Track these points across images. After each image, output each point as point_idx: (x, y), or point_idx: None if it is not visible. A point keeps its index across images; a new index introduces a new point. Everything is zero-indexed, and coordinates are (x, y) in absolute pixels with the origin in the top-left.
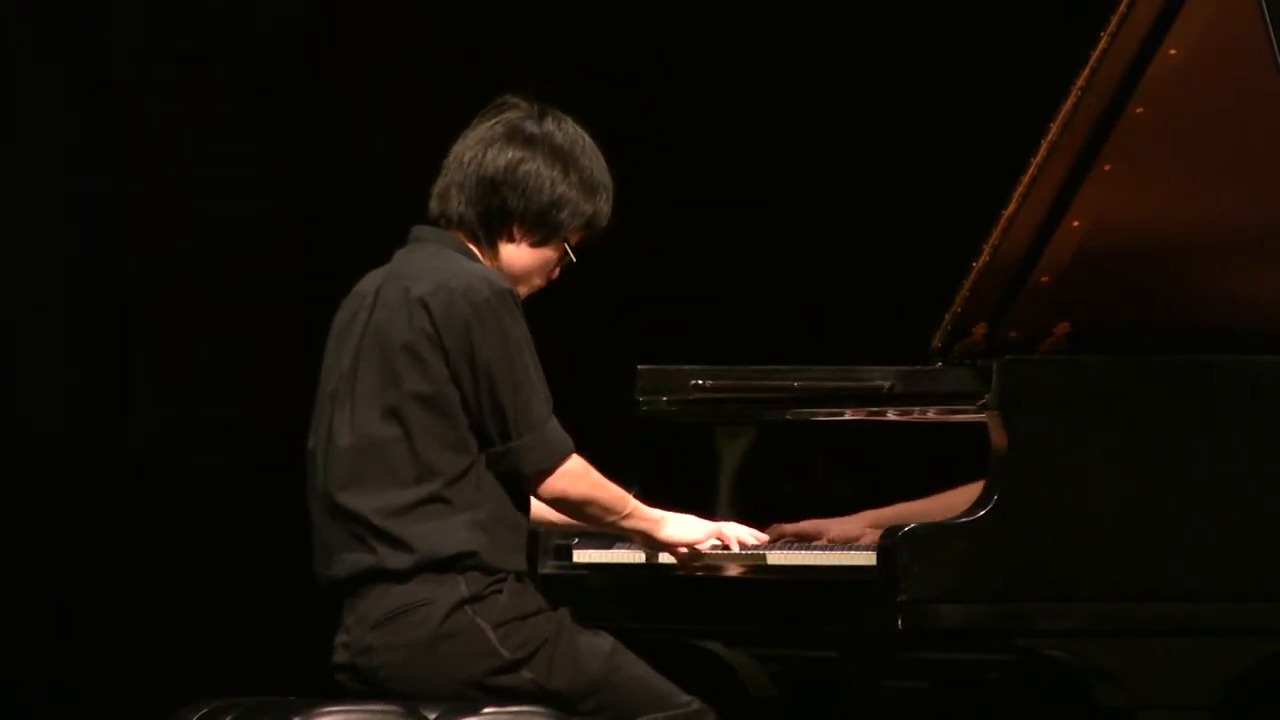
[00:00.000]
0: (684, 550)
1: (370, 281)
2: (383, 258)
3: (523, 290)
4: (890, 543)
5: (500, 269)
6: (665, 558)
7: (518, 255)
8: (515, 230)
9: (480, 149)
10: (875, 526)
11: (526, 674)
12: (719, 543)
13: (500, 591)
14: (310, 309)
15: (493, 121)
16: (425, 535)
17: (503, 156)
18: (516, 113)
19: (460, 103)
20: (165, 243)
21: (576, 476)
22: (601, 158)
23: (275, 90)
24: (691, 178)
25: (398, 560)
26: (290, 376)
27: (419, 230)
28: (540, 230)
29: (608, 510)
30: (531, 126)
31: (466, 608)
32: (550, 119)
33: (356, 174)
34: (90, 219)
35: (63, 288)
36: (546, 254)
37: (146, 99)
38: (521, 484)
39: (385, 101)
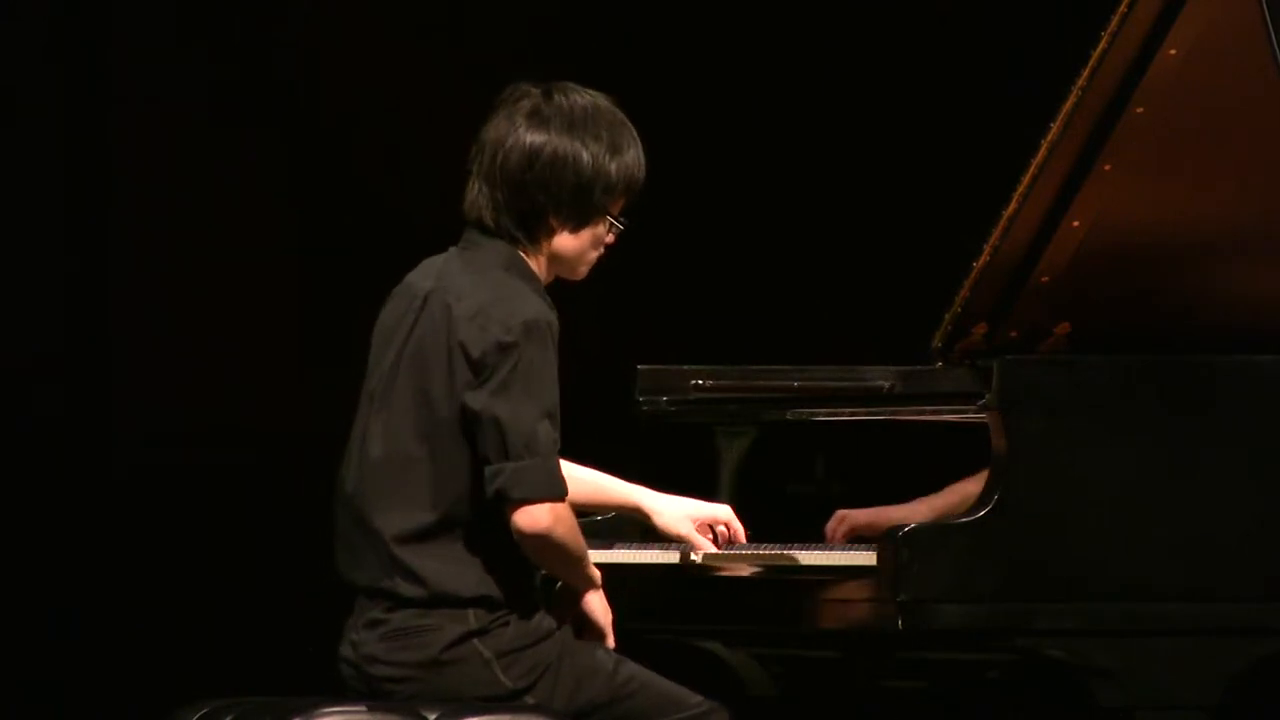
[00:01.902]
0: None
1: (422, 279)
2: (379, 259)
3: (582, 270)
4: (890, 543)
5: (550, 259)
6: (665, 558)
7: (564, 244)
8: (552, 222)
9: (496, 148)
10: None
11: (529, 700)
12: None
13: (507, 624)
14: (308, 310)
15: (503, 115)
16: (439, 574)
17: (517, 152)
18: (526, 100)
19: (456, 102)
20: (163, 244)
21: (562, 520)
22: (620, 114)
23: (272, 91)
24: (692, 178)
25: (410, 590)
26: (290, 377)
27: (471, 234)
28: (576, 215)
29: (572, 563)
30: (542, 109)
31: (473, 639)
32: (557, 94)
33: (353, 174)
34: (89, 221)
35: (61, 289)
36: (593, 232)
37: (145, 101)
38: (504, 509)
39: (381, 101)
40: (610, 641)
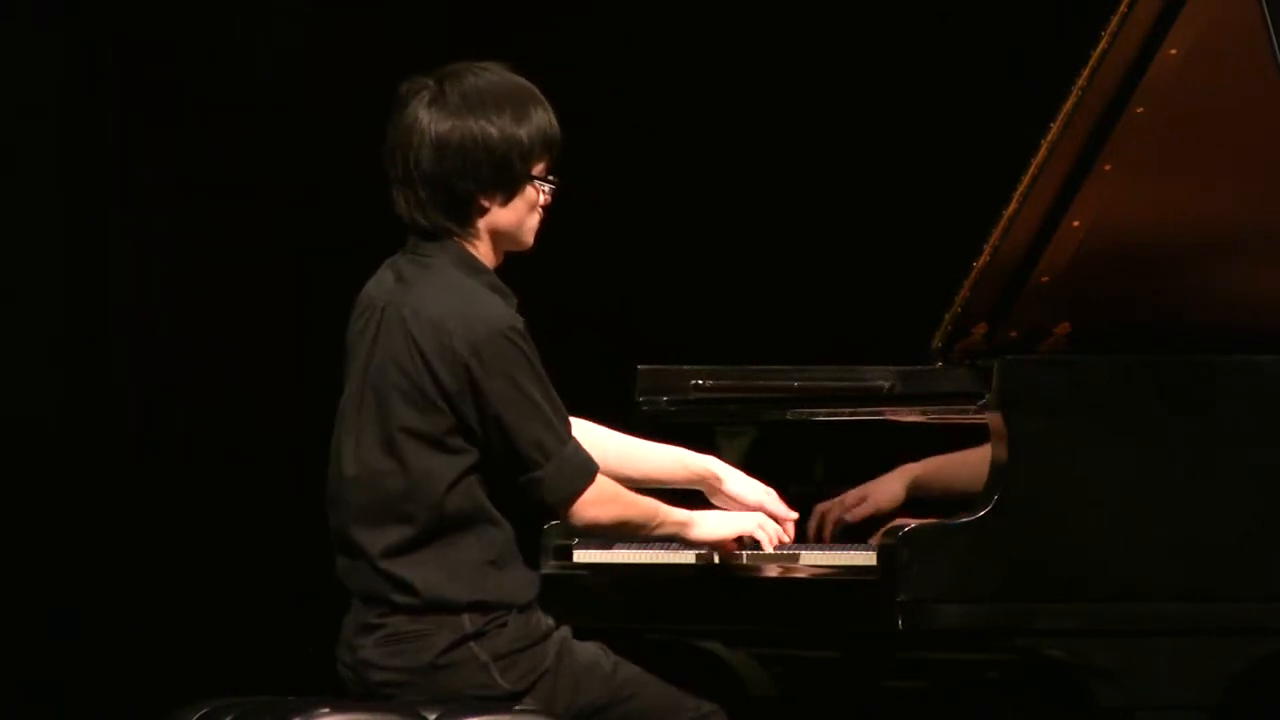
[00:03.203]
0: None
1: (378, 289)
2: (379, 260)
3: (528, 238)
4: (890, 543)
5: (493, 238)
6: (665, 558)
7: (498, 219)
8: (481, 202)
9: (404, 149)
10: (916, 485)
11: (528, 703)
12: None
13: (505, 624)
14: (308, 308)
15: (403, 114)
16: (429, 583)
17: (426, 147)
18: (424, 92)
19: None
20: (163, 244)
21: (605, 501)
22: (519, 80)
23: (272, 90)
24: (692, 177)
25: (403, 599)
26: (290, 377)
27: (413, 239)
28: (502, 188)
29: (640, 527)
30: (438, 98)
31: (469, 643)
32: (450, 80)
33: (352, 174)
34: (89, 221)
35: (61, 289)
36: (524, 200)
37: (145, 101)
38: (550, 515)
39: (381, 101)
40: (751, 532)
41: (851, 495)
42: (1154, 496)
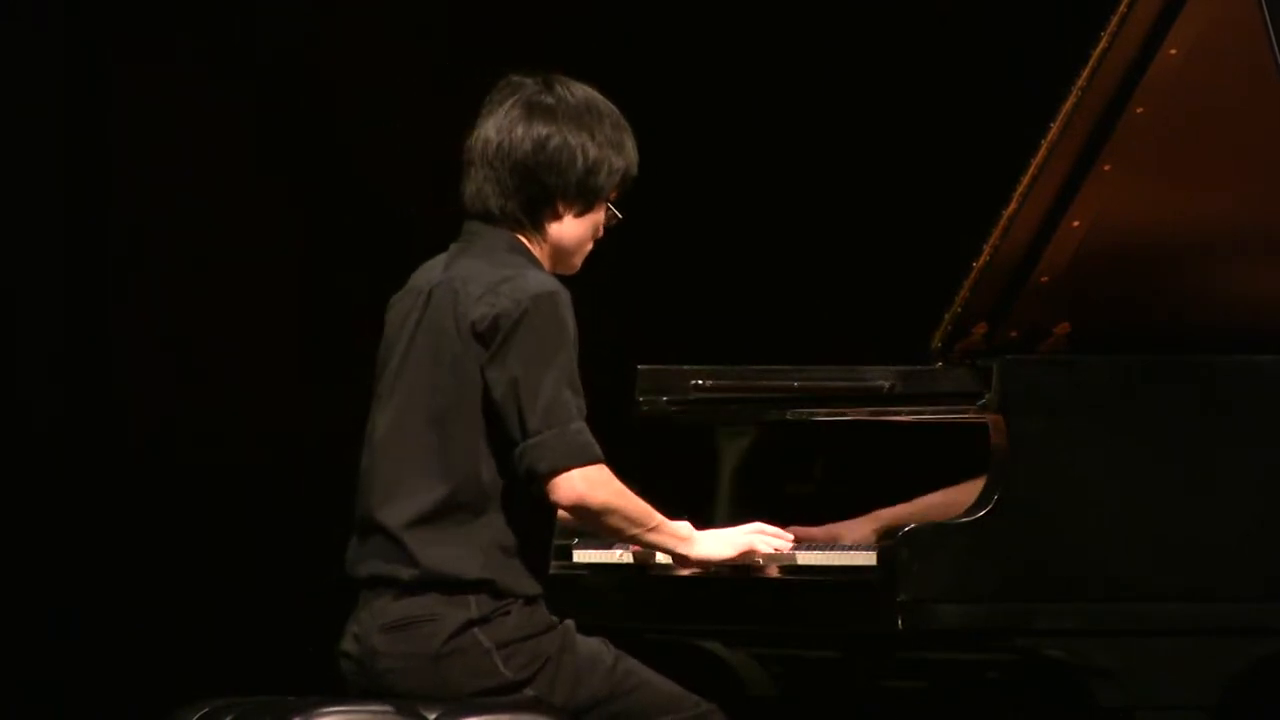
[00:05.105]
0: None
1: (425, 277)
2: (379, 259)
3: (578, 260)
4: (890, 543)
5: (553, 247)
6: (665, 557)
7: (566, 229)
8: (559, 207)
9: (502, 137)
10: (886, 527)
11: (529, 692)
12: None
13: (509, 613)
14: (309, 310)
15: (505, 105)
16: (442, 556)
17: (528, 139)
18: (525, 90)
19: (457, 102)
20: (163, 244)
21: (597, 483)
22: (614, 108)
23: (273, 90)
24: (691, 177)
25: (412, 574)
26: (291, 377)
27: (471, 225)
28: (582, 199)
29: (631, 522)
30: (545, 98)
31: (474, 629)
32: (558, 85)
33: (353, 174)
34: (89, 221)
35: (61, 289)
36: (593, 219)
37: (145, 101)
38: (537, 487)
39: (382, 101)
40: (754, 546)
41: (821, 533)
42: (1154, 496)
